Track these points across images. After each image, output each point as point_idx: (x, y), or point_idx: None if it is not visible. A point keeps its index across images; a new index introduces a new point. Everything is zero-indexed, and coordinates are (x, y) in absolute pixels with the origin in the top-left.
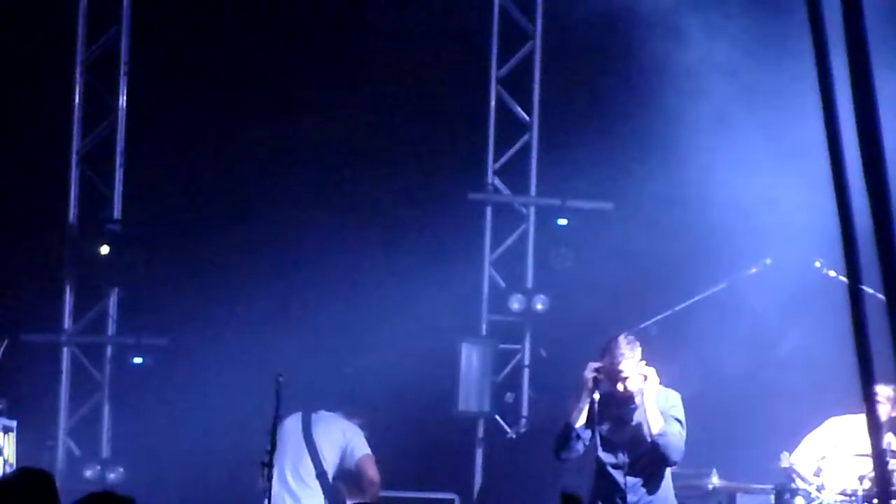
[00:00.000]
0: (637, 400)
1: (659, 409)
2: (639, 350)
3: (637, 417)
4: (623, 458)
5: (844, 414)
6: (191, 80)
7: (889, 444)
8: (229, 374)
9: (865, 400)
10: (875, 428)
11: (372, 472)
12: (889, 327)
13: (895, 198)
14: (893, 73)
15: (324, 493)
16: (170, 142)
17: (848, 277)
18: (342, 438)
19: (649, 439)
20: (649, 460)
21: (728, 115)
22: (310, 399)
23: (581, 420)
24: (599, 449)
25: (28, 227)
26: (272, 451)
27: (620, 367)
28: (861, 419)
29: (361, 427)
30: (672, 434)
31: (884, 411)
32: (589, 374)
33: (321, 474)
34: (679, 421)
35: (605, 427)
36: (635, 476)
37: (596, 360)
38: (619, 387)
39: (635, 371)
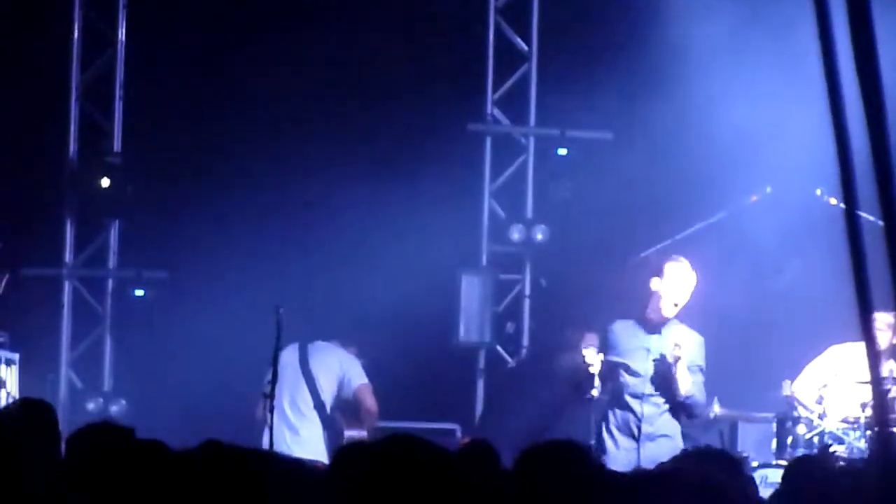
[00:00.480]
0: (663, 331)
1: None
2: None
3: (661, 348)
4: (643, 388)
5: (846, 342)
6: (189, 12)
7: (891, 370)
8: (230, 306)
9: (863, 328)
10: (873, 355)
11: (369, 401)
12: (888, 253)
13: (892, 124)
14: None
15: (322, 423)
16: (169, 74)
17: (844, 202)
18: (339, 368)
19: (677, 399)
20: (669, 397)
21: (732, 44)
22: (309, 330)
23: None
24: (623, 376)
25: (28, 162)
26: (273, 382)
27: (678, 295)
28: (862, 346)
29: (358, 356)
30: (698, 393)
31: (884, 338)
32: (591, 362)
33: (319, 405)
34: (702, 369)
35: (629, 355)
36: (652, 407)
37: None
38: (667, 311)
39: (685, 299)
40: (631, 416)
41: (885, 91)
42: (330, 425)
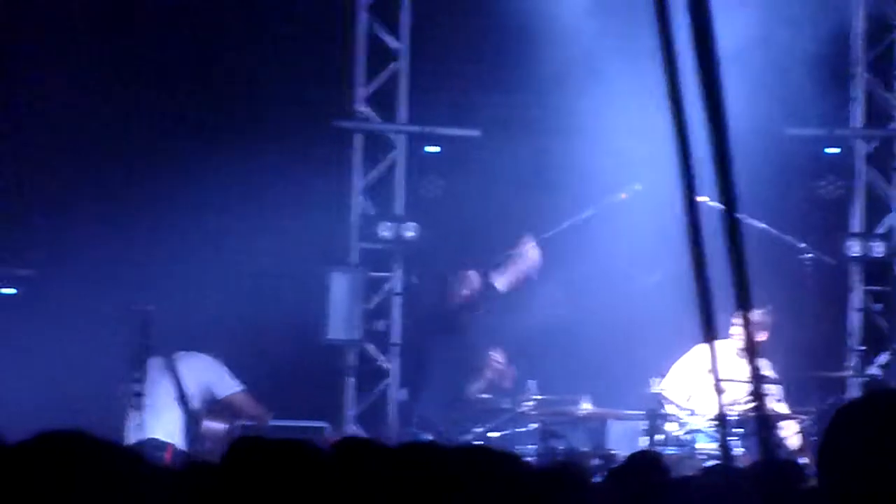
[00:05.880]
0: None
1: None
2: None
3: None
4: None
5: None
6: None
7: (760, 368)
8: (98, 303)
9: (704, 329)
10: (712, 349)
11: (250, 407)
12: (728, 253)
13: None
14: None
15: (182, 413)
16: (35, 67)
17: (686, 205)
18: (205, 375)
19: None
20: None
21: (600, 41)
22: (174, 336)
23: None
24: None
25: None
26: (141, 380)
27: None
28: (728, 344)
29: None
30: None
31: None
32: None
33: (180, 397)
34: None
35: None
36: None
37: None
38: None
39: None
40: None
41: (722, 84)
42: (191, 416)
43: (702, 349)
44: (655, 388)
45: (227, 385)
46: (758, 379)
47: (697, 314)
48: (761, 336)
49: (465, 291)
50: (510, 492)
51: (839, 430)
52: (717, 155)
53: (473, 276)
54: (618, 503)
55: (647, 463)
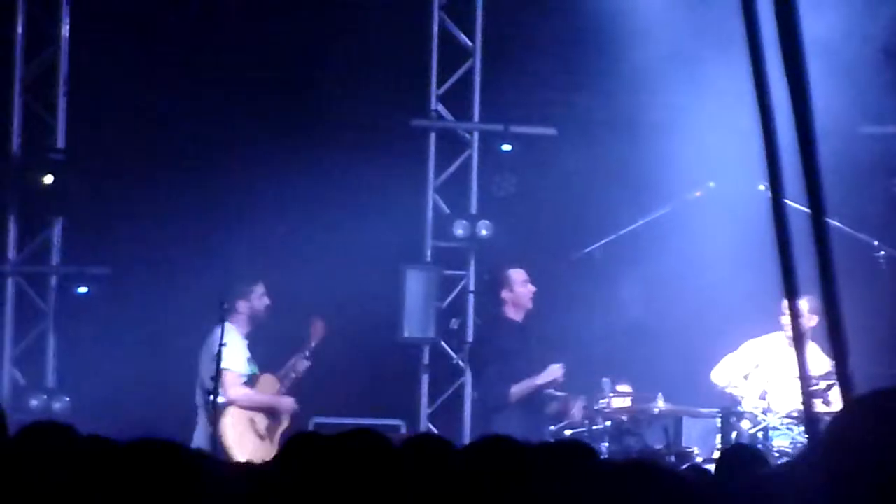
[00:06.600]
0: None
1: None
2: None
3: None
4: None
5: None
6: (133, 7)
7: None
8: (173, 301)
9: (793, 324)
10: (799, 343)
11: (225, 387)
12: (814, 239)
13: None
14: None
15: (205, 416)
16: (113, 70)
17: (771, 193)
18: (213, 348)
19: None
20: None
21: (675, 40)
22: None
23: None
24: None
25: None
26: (217, 379)
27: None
28: (775, 338)
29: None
30: None
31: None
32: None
33: (203, 402)
34: None
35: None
36: None
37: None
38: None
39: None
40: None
41: (810, 84)
42: (213, 425)
43: (749, 345)
44: (716, 381)
45: (226, 357)
46: (844, 374)
47: (785, 309)
48: (812, 322)
49: (507, 292)
50: (592, 487)
51: (843, 425)
52: (804, 154)
53: (516, 275)
54: (721, 497)
55: (746, 456)
